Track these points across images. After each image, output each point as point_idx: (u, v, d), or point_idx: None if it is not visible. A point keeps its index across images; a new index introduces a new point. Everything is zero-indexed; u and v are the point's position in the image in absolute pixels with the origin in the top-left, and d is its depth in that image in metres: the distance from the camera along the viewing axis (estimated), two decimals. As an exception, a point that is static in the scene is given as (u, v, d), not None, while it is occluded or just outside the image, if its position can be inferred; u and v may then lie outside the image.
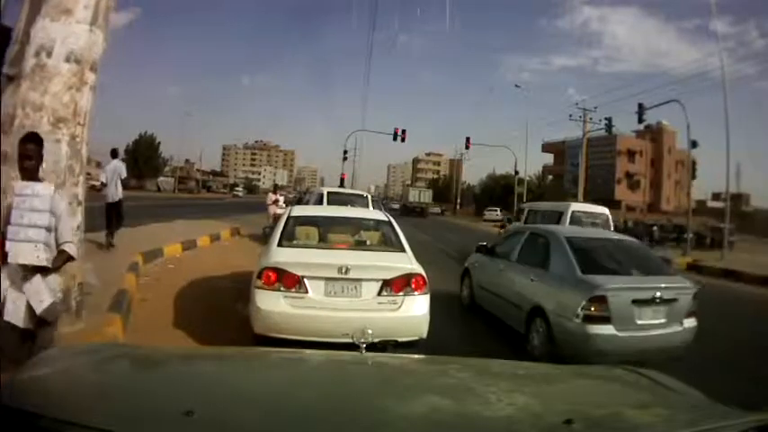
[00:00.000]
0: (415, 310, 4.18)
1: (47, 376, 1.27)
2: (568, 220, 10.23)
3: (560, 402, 1.41)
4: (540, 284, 5.18)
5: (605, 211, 11.24)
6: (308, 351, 2.08)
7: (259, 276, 4.10)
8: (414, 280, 4.22)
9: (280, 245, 4.52)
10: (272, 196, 15.18)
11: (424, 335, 4.21)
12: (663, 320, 4.69)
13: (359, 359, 1.72)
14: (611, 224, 10.39)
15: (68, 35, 3.82)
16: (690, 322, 4.83)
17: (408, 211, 40.40)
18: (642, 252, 5.74)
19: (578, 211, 10.88)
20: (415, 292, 4.20)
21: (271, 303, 4.00)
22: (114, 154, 9.84)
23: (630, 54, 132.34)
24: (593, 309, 4.47)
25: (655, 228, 20.26)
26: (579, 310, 4.50)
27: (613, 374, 1.78)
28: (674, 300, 4.73)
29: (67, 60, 3.82)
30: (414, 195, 46.98)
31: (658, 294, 4.62)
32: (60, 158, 3.78)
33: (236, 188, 77.95)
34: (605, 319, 4.45)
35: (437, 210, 50.62)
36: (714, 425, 1.20)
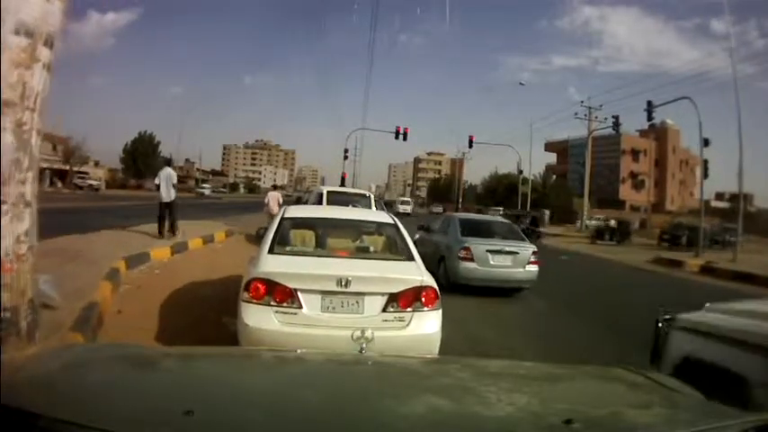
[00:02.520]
0: (426, 329, 3.74)
1: (47, 376, 1.27)
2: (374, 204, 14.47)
3: (560, 402, 1.41)
4: (443, 243, 9.21)
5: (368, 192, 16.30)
6: (308, 351, 2.08)
7: (246, 288, 3.67)
8: (424, 293, 3.78)
9: (271, 251, 4.06)
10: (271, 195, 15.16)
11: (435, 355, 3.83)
12: (509, 264, 8.54)
13: (359, 359, 1.72)
14: (373, 204, 13.25)
15: (20, 4, 3.26)
16: (531, 267, 8.63)
17: (384, 206, 51.27)
18: (506, 227, 10.10)
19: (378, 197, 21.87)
20: (426, 308, 3.76)
21: (259, 319, 3.57)
22: (168, 162, 13.09)
23: (631, 54, 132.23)
24: (463, 253, 8.43)
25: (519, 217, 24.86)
26: (457, 254, 8.48)
27: (613, 374, 1.77)
28: (517, 252, 8.59)
29: (17, 33, 3.23)
30: (387, 195, 74.73)
31: (506, 249, 8.61)
32: (5, 150, 3.20)
33: (204, 185, 60.65)
34: (471, 260, 8.40)
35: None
36: (714, 425, 1.20)
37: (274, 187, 17.07)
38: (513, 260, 8.50)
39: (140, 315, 5.31)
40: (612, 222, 27.05)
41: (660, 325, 2.85)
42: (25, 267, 3.31)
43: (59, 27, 3.50)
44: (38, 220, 3.41)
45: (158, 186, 11.54)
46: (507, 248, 8.59)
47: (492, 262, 8.44)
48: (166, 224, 11.20)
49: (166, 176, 11.50)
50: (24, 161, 3.32)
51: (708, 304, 2.82)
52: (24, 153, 3.32)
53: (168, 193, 11.22)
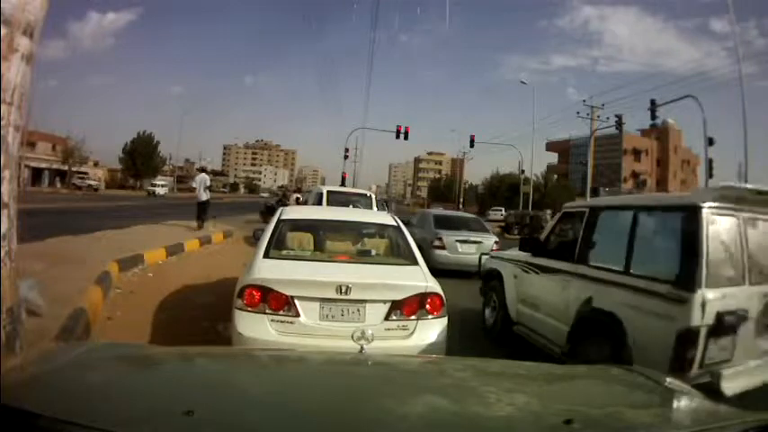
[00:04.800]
0: (431, 338, 3.54)
1: (47, 376, 1.27)
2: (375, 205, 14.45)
3: (560, 402, 1.41)
4: (422, 235, 10.23)
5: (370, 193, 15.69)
6: (307, 351, 2.08)
7: (240, 295, 3.47)
8: (429, 300, 3.59)
9: (266, 256, 3.88)
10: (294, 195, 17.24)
11: None
12: (474, 251, 9.78)
13: (359, 359, 1.72)
14: (374, 205, 13.15)
15: None
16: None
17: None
18: (474, 220, 12.28)
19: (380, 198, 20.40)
20: (430, 316, 3.58)
21: (254, 329, 3.38)
22: (203, 169, 16.60)
23: (631, 54, 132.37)
24: (437, 243, 10.19)
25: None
26: (432, 244, 10.14)
27: (613, 374, 1.77)
28: (481, 242, 10.33)
29: None
30: (384, 195, 74.58)
31: (471, 239, 10.45)
32: None
33: (156, 182, 50.83)
34: (443, 248, 10.17)
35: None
36: (714, 425, 1.20)
37: (298, 189, 18.66)
38: (477, 248, 10.01)
39: (132, 322, 5.07)
40: (526, 217, 28.65)
41: (481, 257, 6.98)
42: (4, 273, 3.01)
43: (41, 15, 3.20)
44: (18, 223, 3.12)
45: (194, 188, 14.54)
46: (473, 238, 10.44)
47: (460, 250, 10.20)
48: (203, 218, 13.92)
49: (201, 181, 14.22)
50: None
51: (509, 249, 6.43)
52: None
53: (203, 195, 13.94)
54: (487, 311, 5.96)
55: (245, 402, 1.20)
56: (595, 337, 3.85)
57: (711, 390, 3.16)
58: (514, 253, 5.74)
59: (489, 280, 6.09)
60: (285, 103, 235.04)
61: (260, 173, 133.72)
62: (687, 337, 3.23)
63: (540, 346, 4.69)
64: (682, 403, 1.46)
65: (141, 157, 56.12)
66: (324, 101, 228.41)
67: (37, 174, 45.76)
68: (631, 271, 3.70)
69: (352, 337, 1.78)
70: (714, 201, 3.60)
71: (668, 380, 1.61)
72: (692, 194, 3.87)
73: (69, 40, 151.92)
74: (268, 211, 17.01)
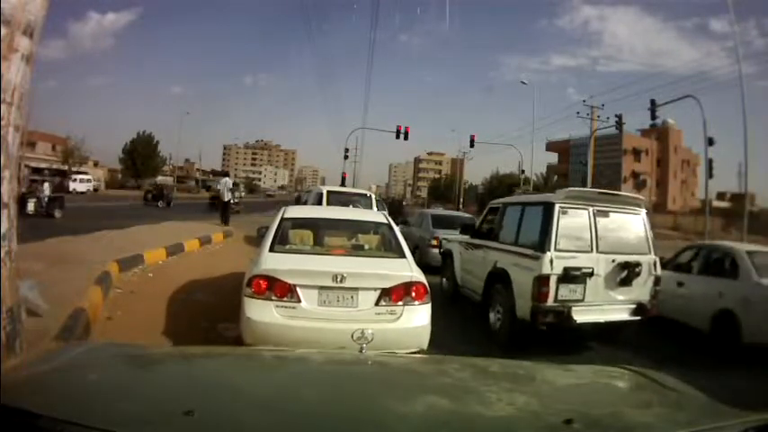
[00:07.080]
0: (416, 321, 4.00)
1: (46, 376, 1.27)
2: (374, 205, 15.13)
3: (560, 402, 1.41)
4: (419, 234, 11.70)
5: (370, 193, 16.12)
6: (307, 351, 2.08)
7: (249, 284, 3.93)
8: (414, 288, 4.04)
9: (271, 250, 4.33)
10: None
11: (425, 346, 4.06)
12: None
13: (359, 359, 1.73)
14: (374, 204, 13.45)
15: None
16: None
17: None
18: (468, 220, 12.15)
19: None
20: (416, 302, 4.02)
21: (261, 313, 3.83)
22: (225, 173, 19.37)
23: (630, 54, 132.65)
24: (434, 242, 10.87)
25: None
26: (429, 242, 11.00)
27: (613, 374, 1.77)
28: None
29: None
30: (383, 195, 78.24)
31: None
32: None
33: (75, 177, 37.74)
34: (439, 247, 10.30)
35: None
36: (714, 425, 1.20)
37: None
38: None
39: (132, 322, 5.12)
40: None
41: (441, 241, 9.94)
42: (4, 274, 2.99)
43: (41, 15, 3.20)
44: (18, 223, 3.09)
45: (218, 190, 17.71)
46: None
47: None
48: (226, 216, 16.14)
49: (224, 183, 16.80)
50: None
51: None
52: None
53: (227, 195, 16.44)
54: (444, 280, 8.33)
55: (245, 402, 1.20)
56: (495, 285, 5.98)
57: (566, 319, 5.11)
58: (461, 236, 8.02)
59: (445, 258, 8.47)
60: (285, 103, 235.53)
61: (260, 173, 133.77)
62: (540, 281, 5.11)
63: (470, 298, 6.95)
64: (682, 403, 1.46)
65: (141, 157, 56.15)
66: (324, 101, 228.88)
67: (37, 174, 45.68)
68: (518, 243, 5.79)
69: (352, 336, 1.79)
70: (564, 199, 5.43)
71: (668, 380, 1.61)
72: (552, 195, 5.61)
73: (69, 40, 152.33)
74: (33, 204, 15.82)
